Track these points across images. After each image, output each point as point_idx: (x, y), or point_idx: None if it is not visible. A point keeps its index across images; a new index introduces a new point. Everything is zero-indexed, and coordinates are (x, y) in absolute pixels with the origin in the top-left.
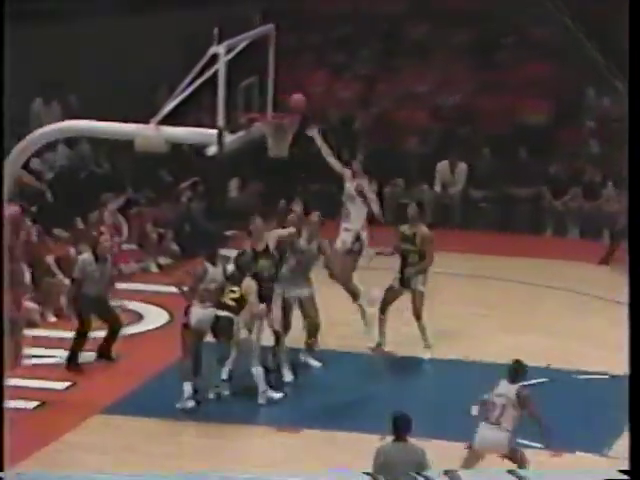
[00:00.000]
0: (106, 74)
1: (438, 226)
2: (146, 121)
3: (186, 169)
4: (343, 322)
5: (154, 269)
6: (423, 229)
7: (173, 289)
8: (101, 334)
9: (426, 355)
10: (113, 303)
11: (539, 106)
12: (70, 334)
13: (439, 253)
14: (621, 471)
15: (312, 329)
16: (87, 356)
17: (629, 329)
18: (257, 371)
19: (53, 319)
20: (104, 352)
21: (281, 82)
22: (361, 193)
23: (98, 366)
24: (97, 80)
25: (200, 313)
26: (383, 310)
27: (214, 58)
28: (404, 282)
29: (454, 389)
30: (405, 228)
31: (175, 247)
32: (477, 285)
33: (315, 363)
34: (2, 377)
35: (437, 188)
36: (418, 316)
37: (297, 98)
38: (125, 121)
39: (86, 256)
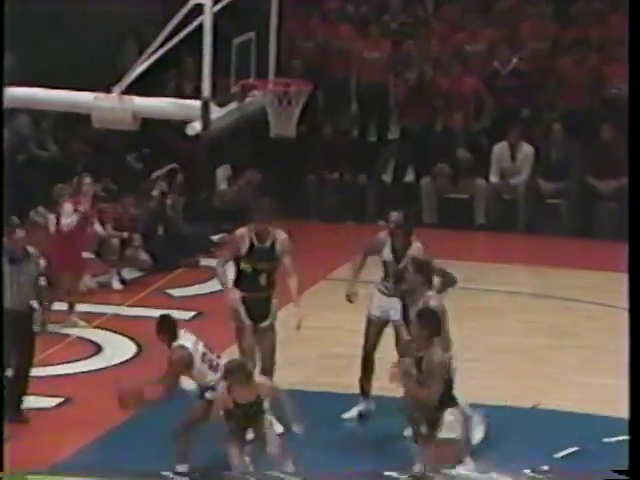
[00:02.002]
0: (54, 25)
1: (495, 229)
2: (107, 89)
3: (160, 153)
4: None
5: (116, 285)
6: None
7: (142, 312)
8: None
9: None
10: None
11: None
12: None
13: (496, 265)
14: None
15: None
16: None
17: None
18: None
19: None
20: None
21: (287, 39)
22: None
23: (44, 413)
24: (40, 33)
25: None
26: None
27: (198, 8)
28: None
29: (526, 445)
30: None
31: (144, 256)
32: (546, 308)
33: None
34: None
35: (493, 179)
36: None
37: None
38: (79, 89)
39: None
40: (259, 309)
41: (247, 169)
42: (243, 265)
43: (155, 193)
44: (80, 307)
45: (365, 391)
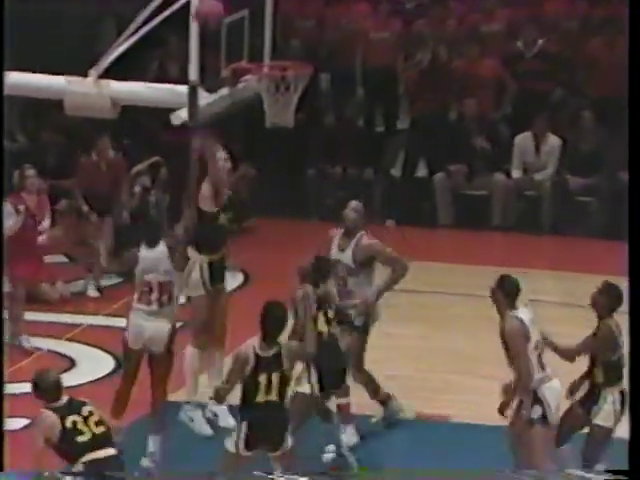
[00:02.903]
0: (23, 2)
1: (517, 230)
2: (83, 72)
3: (142, 144)
4: None
5: (92, 293)
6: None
7: (121, 322)
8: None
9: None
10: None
11: None
12: None
13: (517, 270)
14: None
15: None
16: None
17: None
18: None
19: None
20: None
21: (284, 17)
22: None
23: (10, 436)
24: (6, 11)
25: None
26: None
27: None
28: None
29: None
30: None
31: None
32: (572, 318)
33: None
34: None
35: (515, 174)
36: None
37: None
38: (51, 72)
39: None
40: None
41: (239, 163)
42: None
43: (136, 190)
44: (51, 317)
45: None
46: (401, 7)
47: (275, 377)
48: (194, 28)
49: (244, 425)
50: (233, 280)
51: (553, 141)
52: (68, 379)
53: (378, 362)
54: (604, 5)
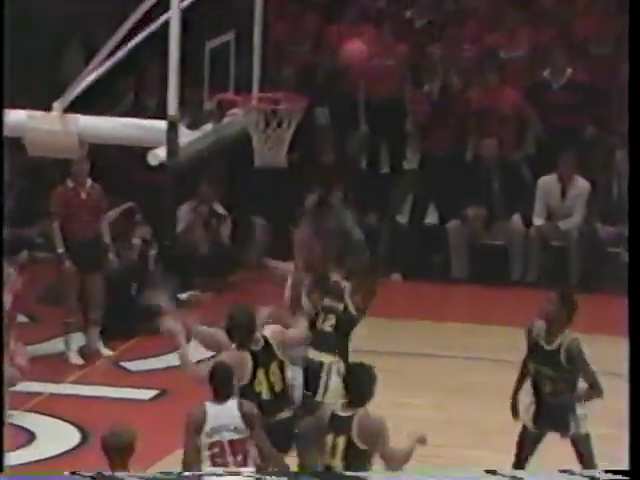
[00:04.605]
0: None
1: (540, 285)
2: (46, 105)
3: (115, 188)
4: None
5: (75, 359)
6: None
7: (89, 390)
8: None
9: None
10: None
11: None
12: None
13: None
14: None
15: None
16: None
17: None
18: None
19: None
20: None
21: (275, 42)
22: None
23: None
24: None
25: None
26: None
27: (163, 1)
28: None
29: None
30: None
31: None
32: (604, 386)
33: None
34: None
35: (537, 221)
36: None
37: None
38: (10, 106)
39: None
40: None
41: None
42: None
43: (136, 241)
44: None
45: None
46: (409, 27)
47: None
48: (174, 53)
49: None
50: None
51: (581, 184)
52: (23, 456)
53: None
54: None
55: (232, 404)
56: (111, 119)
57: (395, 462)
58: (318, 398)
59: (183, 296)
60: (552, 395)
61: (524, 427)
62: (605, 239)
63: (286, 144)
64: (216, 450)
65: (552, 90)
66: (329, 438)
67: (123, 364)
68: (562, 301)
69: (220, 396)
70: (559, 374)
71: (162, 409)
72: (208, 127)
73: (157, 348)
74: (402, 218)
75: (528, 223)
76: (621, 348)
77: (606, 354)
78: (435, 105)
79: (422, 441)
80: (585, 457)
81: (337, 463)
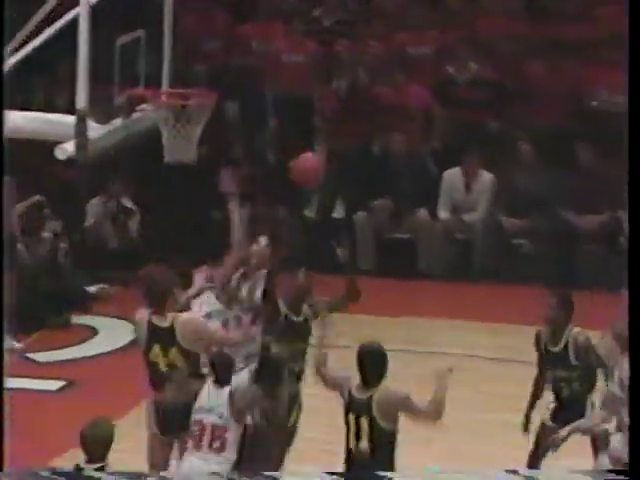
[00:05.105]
0: None
1: (446, 278)
2: None
3: (23, 183)
4: None
5: None
6: None
7: None
8: None
9: None
10: None
11: (615, 79)
12: None
13: (448, 322)
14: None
15: None
16: None
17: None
18: None
19: None
20: None
21: (185, 38)
22: None
23: None
24: None
25: None
26: None
27: None
28: None
29: None
30: None
31: None
32: (507, 375)
33: None
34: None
35: (443, 214)
36: None
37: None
38: None
39: None
40: None
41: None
42: None
43: (46, 235)
44: None
45: None
46: (318, 26)
47: None
48: (83, 48)
49: None
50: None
51: (486, 178)
52: None
53: None
54: (545, 24)
55: (226, 391)
56: (19, 113)
57: (432, 412)
58: None
59: (92, 289)
60: (570, 400)
61: (542, 424)
62: (509, 231)
63: (196, 140)
64: (196, 429)
65: (458, 86)
66: (351, 419)
67: (31, 356)
68: (560, 302)
69: (219, 381)
70: (572, 373)
71: (69, 400)
72: (118, 122)
73: (65, 340)
74: (309, 212)
75: (434, 216)
76: (517, 336)
77: (509, 342)
78: (343, 101)
79: (446, 375)
80: (600, 451)
81: (364, 444)
